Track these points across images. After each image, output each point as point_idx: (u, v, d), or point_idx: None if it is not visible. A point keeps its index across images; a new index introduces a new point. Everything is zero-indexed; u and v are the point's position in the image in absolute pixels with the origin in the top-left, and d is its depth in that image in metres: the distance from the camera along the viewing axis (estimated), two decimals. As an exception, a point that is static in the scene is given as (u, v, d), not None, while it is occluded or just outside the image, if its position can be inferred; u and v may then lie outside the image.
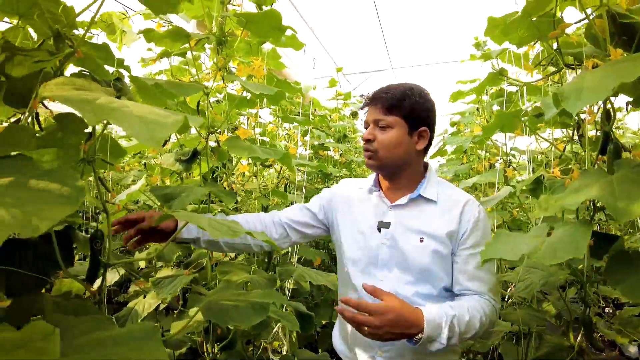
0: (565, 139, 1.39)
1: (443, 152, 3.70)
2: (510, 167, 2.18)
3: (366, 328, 1.01)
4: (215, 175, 1.69)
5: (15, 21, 0.85)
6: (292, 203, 1.58)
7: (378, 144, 1.22)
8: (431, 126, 1.28)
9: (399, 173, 1.28)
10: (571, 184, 1.00)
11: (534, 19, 1.20)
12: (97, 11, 0.87)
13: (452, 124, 3.60)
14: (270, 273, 1.53)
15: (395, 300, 1.04)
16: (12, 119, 0.94)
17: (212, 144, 1.40)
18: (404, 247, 1.21)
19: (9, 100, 0.83)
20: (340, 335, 1.37)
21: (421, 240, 1.20)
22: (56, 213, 0.50)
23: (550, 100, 1.01)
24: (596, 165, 1.09)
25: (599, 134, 1.14)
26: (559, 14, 1.17)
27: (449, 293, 1.24)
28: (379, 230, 1.25)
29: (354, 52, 7.66)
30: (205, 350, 1.31)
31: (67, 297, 0.96)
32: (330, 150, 3.28)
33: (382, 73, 8.40)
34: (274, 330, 1.77)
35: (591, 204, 1.05)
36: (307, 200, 1.55)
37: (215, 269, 1.45)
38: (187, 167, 1.28)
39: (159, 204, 1.54)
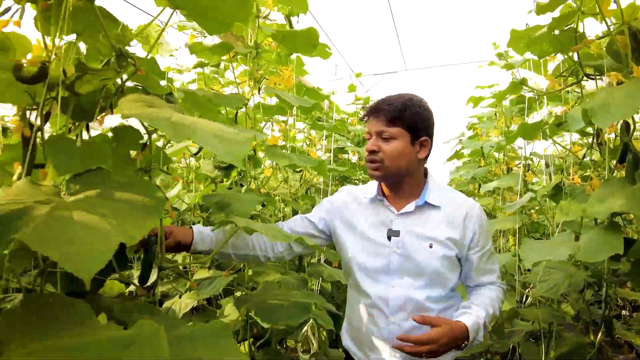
0: (584, 145, 1.43)
1: (460, 155, 3.75)
2: (529, 171, 2.22)
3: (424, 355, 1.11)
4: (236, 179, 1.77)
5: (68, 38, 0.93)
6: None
7: (383, 155, 1.25)
8: (431, 136, 1.32)
9: (402, 182, 1.32)
10: (594, 193, 1.07)
11: (557, 32, 1.25)
12: (146, 26, 0.95)
13: (470, 128, 3.64)
14: (301, 274, 1.60)
15: (444, 326, 1.12)
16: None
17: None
18: (415, 254, 1.25)
19: (74, 113, 0.91)
20: (349, 335, 1.40)
21: (430, 246, 1.25)
22: (147, 223, 0.58)
23: (577, 114, 1.06)
24: (615, 173, 1.14)
25: (617, 142, 1.19)
26: (580, 28, 1.23)
27: (455, 292, 1.32)
28: (389, 238, 1.28)
29: (367, 54, 7.68)
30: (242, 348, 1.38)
31: (123, 298, 1.04)
32: (348, 153, 3.35)
33: (395, 75, 8.43)
34: (304, 330, 1.84)
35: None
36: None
37: (247, 270, 1.52)
38: (226, 173, 1.36)
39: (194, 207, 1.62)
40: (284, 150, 1.31)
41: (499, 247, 2.66)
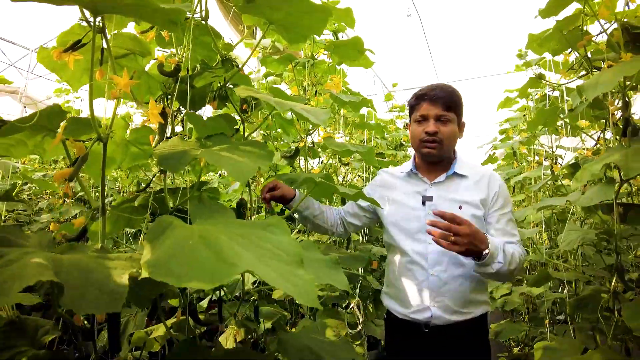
0: (598, 130, 1.64)
1: (494, 159, 3.93)
2: (557, 164, 2.41)
3: (453, 238, 1.23)
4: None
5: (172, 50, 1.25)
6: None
7: (442, 135, 1.47)
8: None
9: (444, 158, 1.54)
10: (598, 157, 1.29)
11: (566, 32, 1.49)
12: (240, 40, 1.28)
13: (501, 132, 3.83)
14: (351, 251, 1.86)
15: (469, 223, 1.27)
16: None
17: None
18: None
19: (191, 101, 1.23)
20: (390, 294, 1.58)
21: (460, 208, 1.45)
22: (265, 162, 0.87)
23: (577, 93, 1.29)
24: (620, 144, 1.35)
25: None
26: (585, 27, 1.46)
27: None
28: (424, 203, 1.50)
29: (400, 69, 7.97)
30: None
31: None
32: (385, 157, 3.61)
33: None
34: (352, 305, 2.09)
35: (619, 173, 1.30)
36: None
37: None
38: (290, 162, 1.66)
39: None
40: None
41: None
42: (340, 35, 2.06)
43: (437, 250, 1.42)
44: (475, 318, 1.46)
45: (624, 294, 1.29)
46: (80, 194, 3.39)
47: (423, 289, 1.46)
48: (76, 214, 3.33)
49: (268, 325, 1.98)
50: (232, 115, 1.21)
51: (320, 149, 1.78)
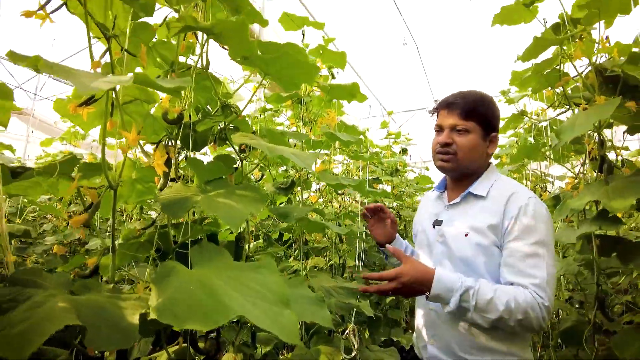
0: (580, 164, 1.73)
1: (488, 182, 3.99)
2: (545, 191, 2.49)
3: (390, 292, 1.15)
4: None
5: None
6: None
7: (457, 147, 1.28)
8: (498, 132, 1.36)
9: (468, 175, 1.33)
10: (579, 193, 1.37)
11: (545, 73, 1.59)
12: (240, 87, 1.38)
13: (495, 157, 3.91)
14: (346, 278, 1.93)
15: (408, 265, 1.15)
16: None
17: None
18: (451, 241, 1.28)
19: (193, 144, 1.32)
20: (414, 329, 1.47)
21: (466, 235, 1.24)
22: (258, 206, 0.95)
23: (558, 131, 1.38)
24: (597, 180, 1.43)
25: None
26: (563, 66, 1.56)
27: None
28: (434, 227, 1.35)
29: (398, 92, 8.14)
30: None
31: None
32: (382, 183, 3.69)
33: (425, 110, 8.82)
34: (347, 331, 2.14)
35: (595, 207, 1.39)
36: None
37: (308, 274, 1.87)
38: (285, 193, 1.74)
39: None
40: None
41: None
42: (336, 71, 2.18)
43: None
44: None
45: (610, 322, 1.35)
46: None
47: (424, 323, 1.36)
48: (79, 237, 3.41)
49: (265, 350, 2.04)
50: (232, 155, 1.31)
51: (316, 180, 1.86)
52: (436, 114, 1.41)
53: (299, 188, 1.85)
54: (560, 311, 1.67)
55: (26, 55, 0.63)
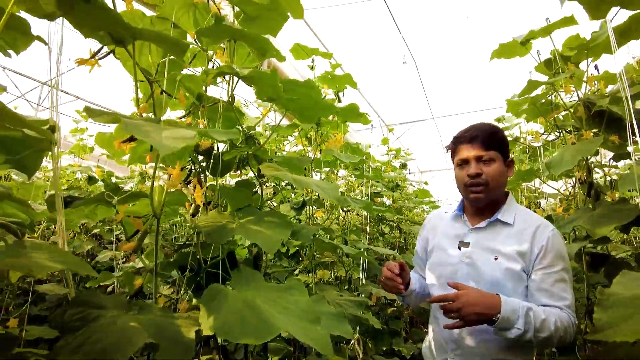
0: (571, 187, 1.86)
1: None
2: (540, 207, 2.62)
3: (453, 314, 1.17)
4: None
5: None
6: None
7: (487, 176, 1.34)
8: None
9: (494, 201, 1.39)
10: (569, 218, 1.50)
11: (538, 104, 1.74)
12: (260, 119, 1.50)
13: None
14: (356, 294, 2.05)
15: (471, 287, 1.22)
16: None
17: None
18: (480, 264, 1.32)
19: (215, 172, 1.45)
20: (426, 343, 1.52)
21: (495, 259, 1.30)
22: (286, 232, 1.07)
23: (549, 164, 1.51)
24: (585, 204, 1.57)
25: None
26: (555, 96, 1.70)
27: None
28: (459, 248, 1.38)
29: (396, 105, 8.31)
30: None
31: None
32: (383, 197, 3.82)
33: (423, 123, 9.01)
34: (352, 342, 2.26)
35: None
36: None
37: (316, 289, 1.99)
38: (298, 212, 1.86)
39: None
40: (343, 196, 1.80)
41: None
42: (342, 94, 2.32)
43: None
44: None
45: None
46: (94, 230, 3.57)
47: (445, 337, 1.39)
48: (88, 249, 3.51)
49: (274, 359, 2.15)
50: (251, 180, 1.44)
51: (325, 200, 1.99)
52: (452, 150, 1.47)
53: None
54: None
55: (105, 112, 0.75)
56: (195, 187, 1.14)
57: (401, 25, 4.74)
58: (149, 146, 1.25)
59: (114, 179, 3.88)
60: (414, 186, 4.43)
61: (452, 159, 1.48)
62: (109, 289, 2.56)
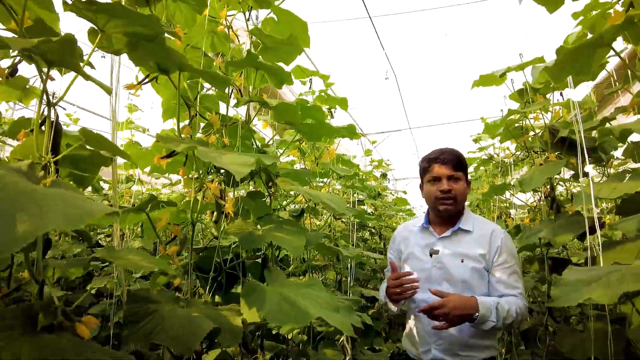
0: (537, 200, 2.12)
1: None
2: (510, 217, 2.89)
3: (440, 318, 1.40)
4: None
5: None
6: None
7: (455, 192, 1.62)
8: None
9: (457, 212, 1.65)
10: (534, 228, 1.75)
11: (511, 129, 1.99)
12: (272, 138, 1.68)
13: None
14: (342, 293, 2.25)
15: (453, 294, 1.45)
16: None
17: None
18: (450, 267, 1.58)
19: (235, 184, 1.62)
20: (407, 337, 1.73)
21: (462, 261, 1.57)
22: (302, 239, 1.25)
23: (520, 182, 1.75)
24: (548, 216, 1.82)
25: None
26: (525, 127, 1.96)
27: None
28: (431, 255, 1.63)
29: (375, 115, 8.60)
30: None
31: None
32: (365, 205, 4.05)
33: (400, 132, 9.35)
34: (342, 339, 2.45)
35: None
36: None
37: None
38: (297, 220, 2.05)
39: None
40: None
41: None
42: (334, 110, 2.53)
43: (439, 299, 1.50)
44: None
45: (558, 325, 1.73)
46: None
47: (426, 331, 1.60)
48: (76, 253, 3.57)
49: (268, 355, 2.32)
50: (261, 191, 1.62)
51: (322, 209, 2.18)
52: (424, 168, 1.73)
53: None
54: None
55: (182, 140, 0.92)
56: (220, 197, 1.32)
57: (385, 42, 5.01)
58: (176, 161, 1.42)
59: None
60: (393, 195, 4.68)
61: (423, 176, 1.75)
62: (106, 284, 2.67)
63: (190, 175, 1.32)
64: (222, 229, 1.34)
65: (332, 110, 2.49)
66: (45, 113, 0.83)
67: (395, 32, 5.10)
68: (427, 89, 7.15)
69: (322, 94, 2.37)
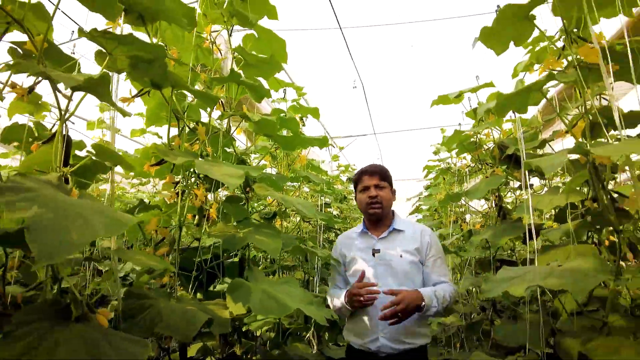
0: (488, 207, 2.35)
1: (420, 210, 4.69)
2: (465, 222, 3.13)
3: (403, 309, 1.63)
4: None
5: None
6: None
7: (381, 198, 1.94)
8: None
9: (384, 217, 1.96)
10: (482, 232, 1.96)
11: (466, 144, 2.21)
12: (248, 148, 1.81)
13: (426, 188, 4.61)
14: (312, 291, 2.40)
15: (404, 291, 1.68)
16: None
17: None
18: (391, 262, 1.84)
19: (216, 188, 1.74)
20: (350, 330, 1.91)
21: (401, 256, 1.84)
22: (279, 243, 1.39)
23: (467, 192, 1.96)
24: (496, 221, 2.05)
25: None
26: (478, 141, 2.18)
27: (421, 287, 1.81)
28: (374, 255, 1.89)
29: (341, 119, 8.81)
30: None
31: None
32: (331, 208, 4.21)
33: (365, 137, 9.62)
34: (308, 335, 2.60)
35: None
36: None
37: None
38: (269, 222, 2.18)
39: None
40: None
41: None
42: (305, 119, 2.67)
43: (385, 293, 1.75)
44: (417, 347, 1.79)
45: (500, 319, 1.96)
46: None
47: (374, 323, 1.79)
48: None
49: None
50: (239, 195, 1.74)
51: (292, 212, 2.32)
52: (356, 180, 2.05)
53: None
54: (472, 313, 2.29)
55: (180, 153, 1.04)
56: (202, 201, 1.44)
57: (353, 52, 5.21)
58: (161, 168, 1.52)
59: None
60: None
61: (356, 187, 2.07)
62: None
63: (173, 180, 1.43)
64: (203, 231, 1.46)
65: (304, 118, 2.65)
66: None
67: (363, 43, 5.32)
68: (392, 97, 7.44)
69: (295, 103, 2.51)
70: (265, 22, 1.70)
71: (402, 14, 4.94)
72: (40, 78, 0.89)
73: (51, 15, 0.96)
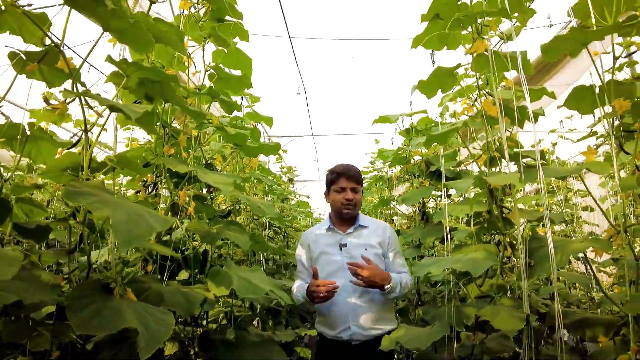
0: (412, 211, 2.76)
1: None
2: (393, 223, 3.56)
3: (367, 277, 1.82)
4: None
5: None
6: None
7: (355, 201, 2.12)
8: None
9: (354, 216, 2.15)
10: (410, 233, 2.36)
11: (398, 158, 2.60)
12: (220, 148, 2.04)
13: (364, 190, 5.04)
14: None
15: (378, 267, 1.91)
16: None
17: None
18: (357, 255, 2.00)
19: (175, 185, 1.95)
20: (321, 322, 2.08)
21: (365, 249, 2.03)
22: (247, 238, 1.64)
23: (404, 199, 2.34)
24: (420, 224, 2.46)
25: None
26: (409, 157, 2.58)
27: None
28: (341, 249, 2.07)
29: (280, 118, 9.05)
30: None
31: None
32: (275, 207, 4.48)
33: (303, 138, 9.97)
34: (255, 322, 2.86)
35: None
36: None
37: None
38: (224, 219, 2.40)
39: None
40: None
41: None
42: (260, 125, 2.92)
43: (353, 284, 1.94)
44: (386, 332, 1.89)
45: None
46: None
47: (344, 313, 1.97)
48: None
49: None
50: (203, 194, 1.96)
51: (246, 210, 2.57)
52: (332, 179, 2.20)
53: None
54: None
55: (185, 162, 1.27)
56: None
57: (300, 60, 5.51)
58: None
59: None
60: (297, 198, 5.19)
61: (330, 185, 2.20)
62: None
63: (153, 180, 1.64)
64: (175, 227, 1.67)
65: (257, 124, 2.90)
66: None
67: (309, 53, 5.64)
68: (332, 103, 7.86)
69: (251, 109, 2.76)
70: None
71: (345, 31, 5.34)
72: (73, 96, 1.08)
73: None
